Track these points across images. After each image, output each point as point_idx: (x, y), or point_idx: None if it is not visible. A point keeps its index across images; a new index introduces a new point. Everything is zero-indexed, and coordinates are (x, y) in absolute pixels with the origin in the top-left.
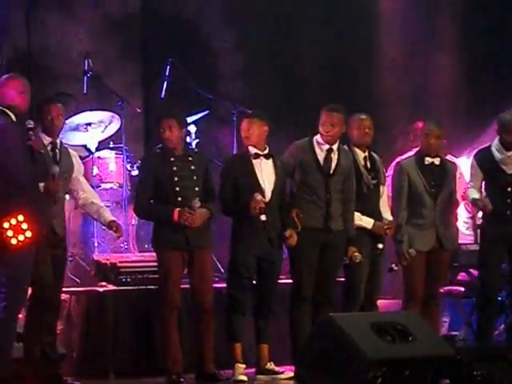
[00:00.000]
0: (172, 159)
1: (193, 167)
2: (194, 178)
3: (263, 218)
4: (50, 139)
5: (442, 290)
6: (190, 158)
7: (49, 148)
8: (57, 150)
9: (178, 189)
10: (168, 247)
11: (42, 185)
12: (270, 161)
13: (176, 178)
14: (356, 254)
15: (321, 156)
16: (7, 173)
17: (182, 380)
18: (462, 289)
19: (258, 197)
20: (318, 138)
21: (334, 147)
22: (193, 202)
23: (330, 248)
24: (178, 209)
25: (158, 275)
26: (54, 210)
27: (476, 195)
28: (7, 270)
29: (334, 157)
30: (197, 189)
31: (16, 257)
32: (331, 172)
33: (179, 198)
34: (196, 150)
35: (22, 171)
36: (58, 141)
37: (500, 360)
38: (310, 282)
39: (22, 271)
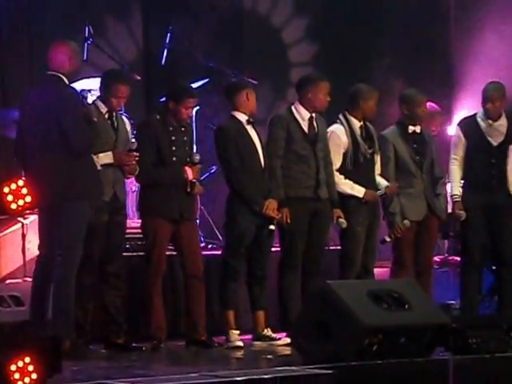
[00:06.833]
0: (171, 129)
1: (185, 138)
2: (186, 148)
3: (272, 227)
4: (106, 108)
5: (438, 259)
6: (183, 129)
7: (106, 116)
8: (114, 119)
9: (174, 159)
10: (159, 215)
11: (109, 154)
12: (253, 129)
13: (174, 148)
14: (341, 219)
15: (304, 125)
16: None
17: (162, 346)
18: (459, 258)
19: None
20: (297, 107)
21: (314, 115)
22: (193, 154)
23: (318, 217)
24: (187, 167)
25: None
26: (115, 176)
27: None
28: (62, 229)
29: (315, 124)
30: (188, 159)
31: (69, 216)
32: (316, 139)
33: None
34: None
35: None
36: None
37: (494, 328)
38: (301, 250)
39: (75, 230)
